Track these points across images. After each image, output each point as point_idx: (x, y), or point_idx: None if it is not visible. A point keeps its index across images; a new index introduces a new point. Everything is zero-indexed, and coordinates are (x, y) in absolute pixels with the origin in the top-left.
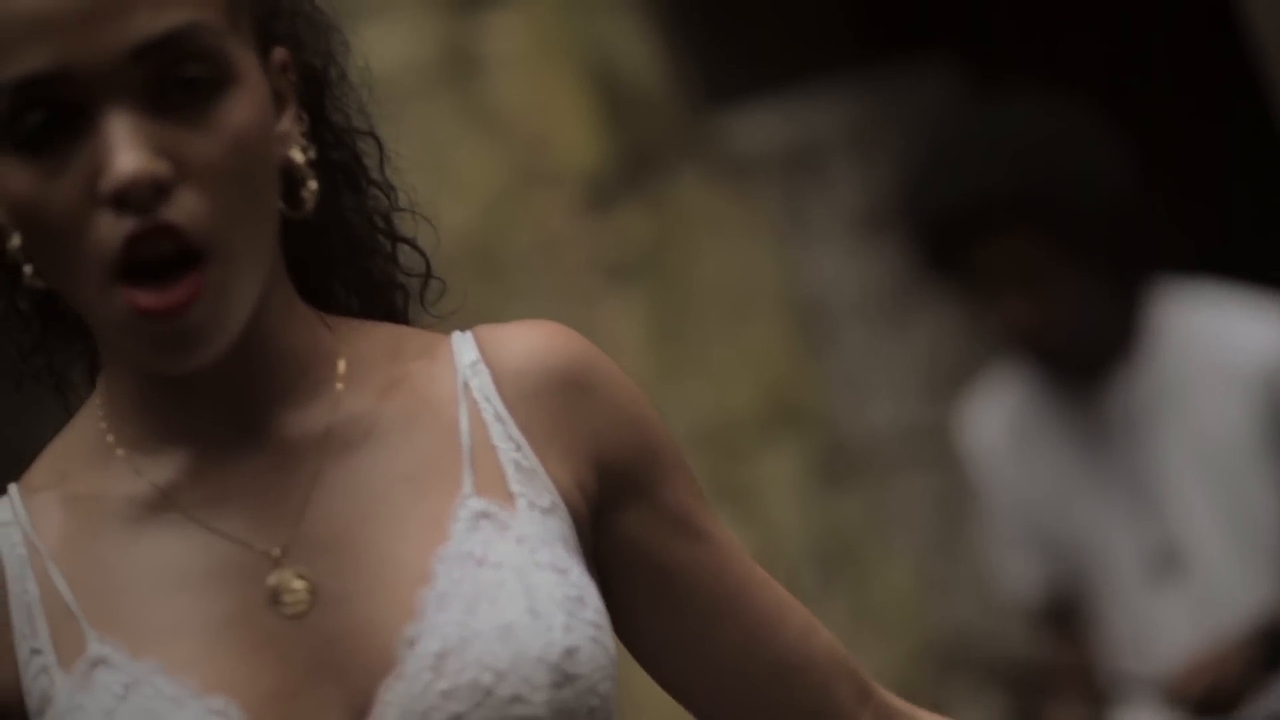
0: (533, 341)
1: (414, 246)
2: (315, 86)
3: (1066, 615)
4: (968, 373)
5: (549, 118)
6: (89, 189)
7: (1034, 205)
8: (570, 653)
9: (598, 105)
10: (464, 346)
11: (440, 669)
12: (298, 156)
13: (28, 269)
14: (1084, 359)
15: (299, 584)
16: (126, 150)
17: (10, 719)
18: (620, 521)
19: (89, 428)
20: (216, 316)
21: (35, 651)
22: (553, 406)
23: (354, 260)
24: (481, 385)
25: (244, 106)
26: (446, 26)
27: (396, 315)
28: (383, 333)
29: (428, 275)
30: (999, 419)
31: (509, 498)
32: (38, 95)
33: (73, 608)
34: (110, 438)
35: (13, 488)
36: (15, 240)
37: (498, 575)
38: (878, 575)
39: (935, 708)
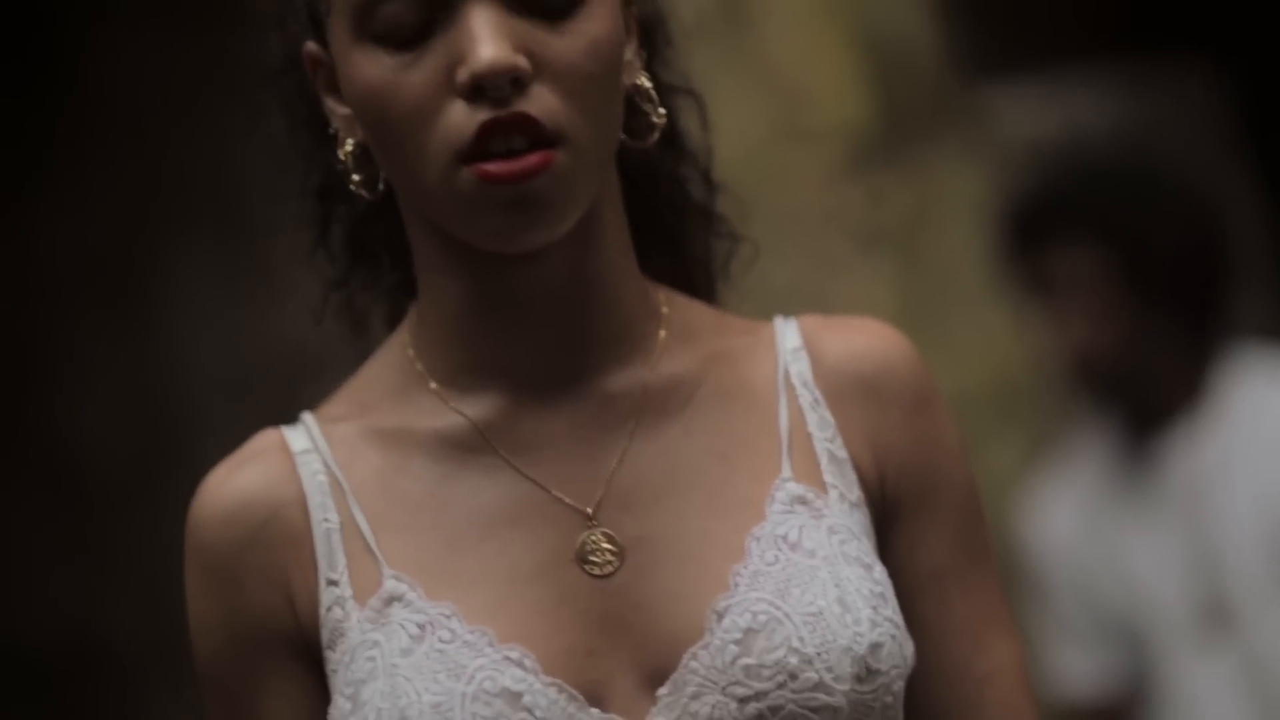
0: (857, 341)
1: (728, 229)
2: (649, 42)
3: (1117, 712)
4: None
5: (815, 76)
6: (445, 78)
7: (1113, 221)
8: (875, 648)
9: (865, 68)
10: (787, 331)
11: (747, 645)
12: (644, 82)
13: (356, 177)
14: (1148, 404)
15: (608, 545)
16: (488, 40)
17: (304, 644)
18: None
19: (395, 359)
20: (559, 195)
21: (331, 583)
22: (860, 406)
23: (676, 233)
24: (801, 372)
25: (601, 17)
26: None
27: (706, 287)
28: (705, 308)
29: (734, 246)
30: (1069, 499)
31: (823, 487)
32: None
33: (370, 542)
34: (420, 367)
35: (308, 416)
36: (349, 145)
37: (810, 562)
38: None
39: None
